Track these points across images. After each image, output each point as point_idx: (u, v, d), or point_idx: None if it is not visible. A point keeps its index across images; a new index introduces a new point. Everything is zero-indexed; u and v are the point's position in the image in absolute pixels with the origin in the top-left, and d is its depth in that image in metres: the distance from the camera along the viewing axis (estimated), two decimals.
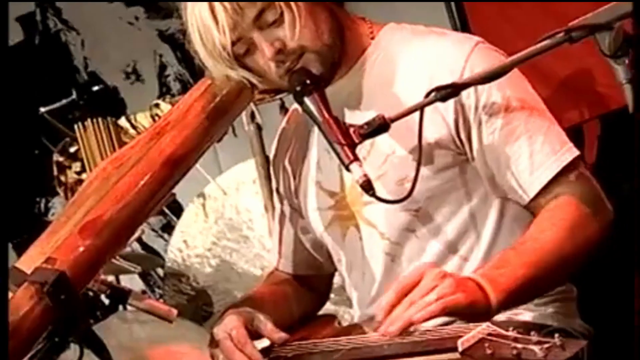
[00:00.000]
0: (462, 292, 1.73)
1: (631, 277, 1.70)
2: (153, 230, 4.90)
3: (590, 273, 2.02)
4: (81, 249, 1.91)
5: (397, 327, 1.71)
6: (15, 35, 5.09)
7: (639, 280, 1.69)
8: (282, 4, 1.95)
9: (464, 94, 1.89)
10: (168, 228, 4.67)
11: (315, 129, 2.06)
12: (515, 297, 1.80)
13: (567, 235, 1.89)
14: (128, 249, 4.28)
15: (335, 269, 2.28)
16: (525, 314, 2.00)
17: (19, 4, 4.93)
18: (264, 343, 2.02)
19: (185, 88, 4.61)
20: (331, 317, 2.21)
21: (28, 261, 1.91)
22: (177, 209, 4.06)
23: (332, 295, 2.47)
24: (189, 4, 2.00)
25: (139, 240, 4.76)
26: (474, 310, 1.73)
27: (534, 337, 1.57)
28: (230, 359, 2.00)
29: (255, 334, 2.02)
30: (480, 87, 1.92)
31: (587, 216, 1.92)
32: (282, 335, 2.00)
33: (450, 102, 1.90)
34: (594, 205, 1.94)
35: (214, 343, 2.05)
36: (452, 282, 1.73)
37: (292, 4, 1.95)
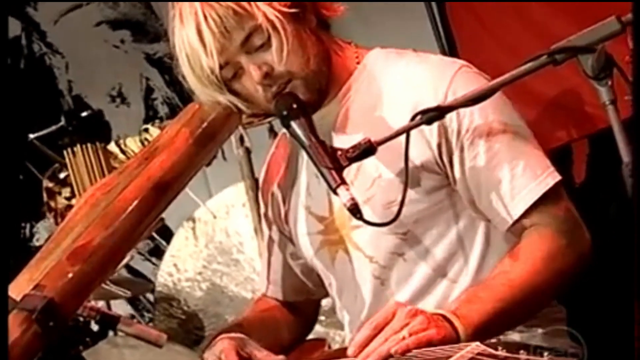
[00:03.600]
0: (434, 328, 1.76)
1: (631, 303, 1.70)
2: (140, 253, 4.89)
3: (579, 293, 2.03)
4: (70, 275, 1.91)
5: (374, 358, 1.73)
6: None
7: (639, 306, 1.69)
8: (269, 27, 1.95)
9: (447, 117, 1.90)
10: (156, 252, 4.66)
11: (304, 154, 2.07)
12: (485, 331, 1.82)
13: (540, 269, 1.91)
14: (117, 274, 4.27)
15: (324, 295, 2.28)
16: (514, 334, 2.00)
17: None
18: None
19: (173, 111, 4.61)
20: (321, 341, 2.21)
21: (17, 288, 1.90)
22: (166, 233, 4.06)
23: (322, 318, 2.47)
24: (176, 28, 2.00)
25: (126, 264, 4.75)
26: (445, 344, 1.74)
27: (523, 355, 1.57)
28: None
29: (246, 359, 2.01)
30: (462, 111, 1.93)
31: (563, 247, 1.94)
32: (280, 357, 2.00)
33: (434, 126, 1.91)
34: (572, 236, 1.96)
35: None
36: (423, 319, 1.77)
37: (280, 27, 1.95)
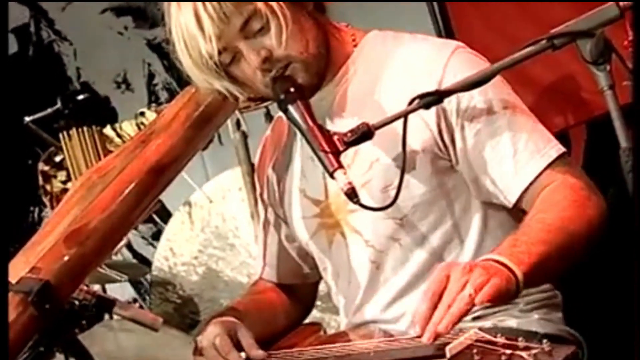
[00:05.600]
0: (495, 276, 1.67)
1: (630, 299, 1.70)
2: (143, 238, 4.90)
3: (576, 280, 2.02)
4: (66, 258, 1.91)
5: (445, 324, 1.62)
6: (10, 46, 5.10)
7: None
8: (267, 12, 1.94)
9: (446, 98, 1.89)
10: (158, 236, 4.68)
11: (299, 137, 2.06)
12: (537, 272, 1.74)
13: (572, 213, 1.85)
14: (119, 257, 4.27)
15: (321, 278, 2.27)
16: (510, 320, 2.00)
17: (12, 16, 4.93)
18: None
19: (173, 97, 4.58)
20: (316, 326, 2.21)
21: (13, 270, 1.90)
22: (168, 217, 4.06)
23: (318, 303, 2.47)
24: (173, 13, 1.99)
25: (130, 247, 4.76)
26: (509, 291, 1.68)
27: (522, 343, 1.57)
28: None
29: (239, 344, 2.01)
30: None
31: (586, 197, 1.89)
32: (260, 352, 1.99)
33: (433, 107, 1.90)
34: (590, 188, 1.92)
35: (198, 351, 2.05)
36: (481, 271, 1.67)
37: (278, 11, 1.94)
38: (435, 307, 1.65)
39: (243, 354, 2.00)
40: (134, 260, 4.78)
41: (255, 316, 2.14)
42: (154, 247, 4.69)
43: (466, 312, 1.64)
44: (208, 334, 2.03)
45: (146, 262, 4.58)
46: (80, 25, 5.05)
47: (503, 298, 1.68)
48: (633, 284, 1.66)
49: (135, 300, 4.65)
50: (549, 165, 1.93)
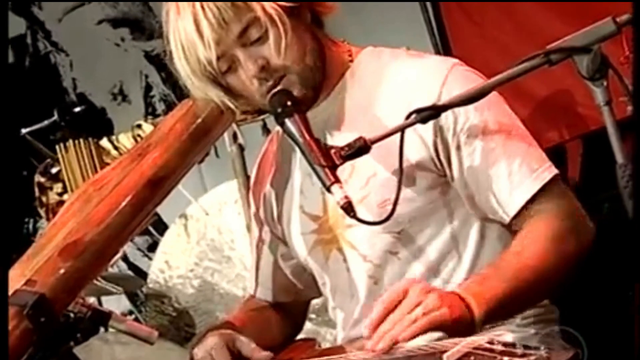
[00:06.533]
0: (448, 307, 1.73)
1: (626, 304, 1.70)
2: (139, 249, 4.90)
3: (572, 293, 2.03)
4: (61, 271, 1.90)
5: (384, 344, 1.70)
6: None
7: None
8: (267, 21, 1.94)
9: (443, 116, 1.89)
10: (154, 248, 4.67)
11: (297, 153, 2.06)
12: (498, 311, 1.81)
13: (548, 249, 1.89)
14: (114, 269, 4.27)
15: (314, 296, 2.28)
16: (507, 335, 1.99)
17: (9, 27, 4.93)
18: None
19: (170, 109, 4.60)
20: (310, 341, 2.20)
21: (9, 283, 1.90)
22: (164, 229, 4.05)
23: (313, 316, 2.47)
24: (172, 18, 1.98)
25: (125, 259, 4.75)
26: (459, 325, 1.73)
27: (520, 350, 1.57)
28: None
29: (236, 356, 2.01)
30: (458, 109, 1.93)
31: (567, 230, 1.92)
32: (264, 353, 1.99)
33: (430, 124, 1.90)
34: (574, 221, 1.95)
35: None
36: (436, 297, 1.73)
37: (278, 21, 1.94)
38: (385, 316, 1.73)
39: None
40: (130, 272, 4.77)
41: (250, 331, 2.13)
42: (150, 259, 4.69)
43: (410, 336, 1.69)
44: (205, 345, 2.02)
45: (142, 274, 4.58)
46: (77, 36, 5.05)
47: (448, 331, 1.73)
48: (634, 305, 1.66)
49: (131, 313, 4.64)
50: (542, 188, 1.95)
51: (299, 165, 2.14)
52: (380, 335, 1.71)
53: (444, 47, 3.59)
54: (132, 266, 4.80)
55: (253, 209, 2.30)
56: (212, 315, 3.68)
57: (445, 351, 1.62)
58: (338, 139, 1.99)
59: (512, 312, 1.91)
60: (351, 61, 2.10)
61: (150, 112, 4.93)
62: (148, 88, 4.98)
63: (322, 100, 2.06)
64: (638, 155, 1.65)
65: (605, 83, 1.71)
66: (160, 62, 4.83)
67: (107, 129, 4.85)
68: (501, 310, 1.82)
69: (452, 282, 2.01)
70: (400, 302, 1.74)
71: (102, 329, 2.12)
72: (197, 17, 1.94)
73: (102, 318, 2.02)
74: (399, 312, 1.72)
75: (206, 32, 1.94)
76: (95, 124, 4.79)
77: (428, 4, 3.71)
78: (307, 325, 2.42)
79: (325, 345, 2.30)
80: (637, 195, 1.64)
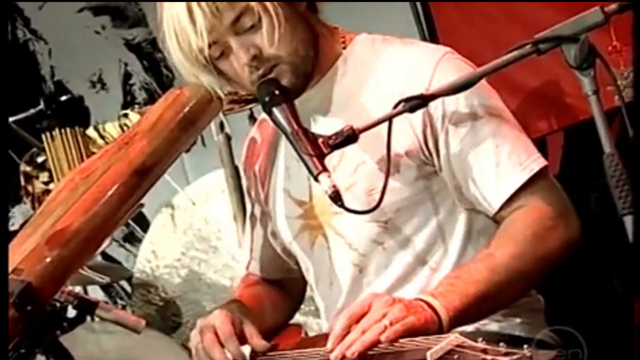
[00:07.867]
0: (414, 315, 1.74)
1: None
2: (115, 240, 4.87)
3: (557, 286, 2.03)
4: (48, 259, 1.90)
5: (354, 350, 1.70)
6: None
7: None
8: (260, 9, 1.94)
9: (432, 104, 1.90)
10: (130, 238, 4.65)
11: (284, 138, 2.06)
12: (467, 314, 1.82)
13: (525, 250, 1.90)
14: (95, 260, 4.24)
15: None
16: (492, 324, 2.00)
17: None
18: (243, 350, 2.00)
19: (151, 97, 4.59)
20: (297, 327, 2.20)
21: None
22: (141, 219, 4.04)
23: (301, 306, 2.46)
24: (165, 4, 1.98)
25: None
26: (427, 331, 1.74)
27: (503, 348, 1.57)
28: (208, 351, 1.98)
29: (239, 338, 1.99)
30: (448, 98, 1.92)
31: (550, 228, 1.92)
32: (264, 343, 1.99)
33: (419, 112, 1.90)
34: (559, 216, 1.94)
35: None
36: (402, 307, 1.75)
37: (271, 10, 1.94)
38: (349, 327, 1.74)
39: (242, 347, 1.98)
40: (104, 262, 4.75)
41: (257, 309, 2.13)
42: (125, 249, 4.67)
43: (377, 343, 1.69)
44: (210, 318, 2.01)
45: (118, 265, 4.55)
46: (56, 24, 5.02)
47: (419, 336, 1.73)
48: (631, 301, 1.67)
49: (106, 304, 4.62)
50: (530, 179, 1.94)
51: (285, 148, 2.13)
52: (348, 343, 1.71)
53: (431, 36, 3.58)
54: (106, 256, 4.77)
55: (245, 184, 2.31)
56: (199, 304, 3.68)
57: (429, 348, 1.62)
58: (327, 126, 1.99)
59: (482, 313, 1.91)
60: (344, 47, 2.09)
61: (130, 100, 4.89)
62: (127, 76, 4.94)
63: (313, 85, 2.06)
64: (638, 156, 1.65)
65: (592, 72, 1.71)
66: (142, 51, 4.80)
67: (84, 116, 4.82)
68: (472, 312, 1.83)
69: (440, 270, 2.01)
70: (364, 314, 1.75)
71: (88, 318, 2.12)
72: (190, 5, 1.94)
73: (89, 307, 2.02)
74: (366, 321, 1.73)
75: (199, 19, 1.94)
76: (75, 113, 4.76)
77: None
78: (295, 315, 2.41)
79: (311, 334, 2.29)
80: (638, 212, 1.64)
